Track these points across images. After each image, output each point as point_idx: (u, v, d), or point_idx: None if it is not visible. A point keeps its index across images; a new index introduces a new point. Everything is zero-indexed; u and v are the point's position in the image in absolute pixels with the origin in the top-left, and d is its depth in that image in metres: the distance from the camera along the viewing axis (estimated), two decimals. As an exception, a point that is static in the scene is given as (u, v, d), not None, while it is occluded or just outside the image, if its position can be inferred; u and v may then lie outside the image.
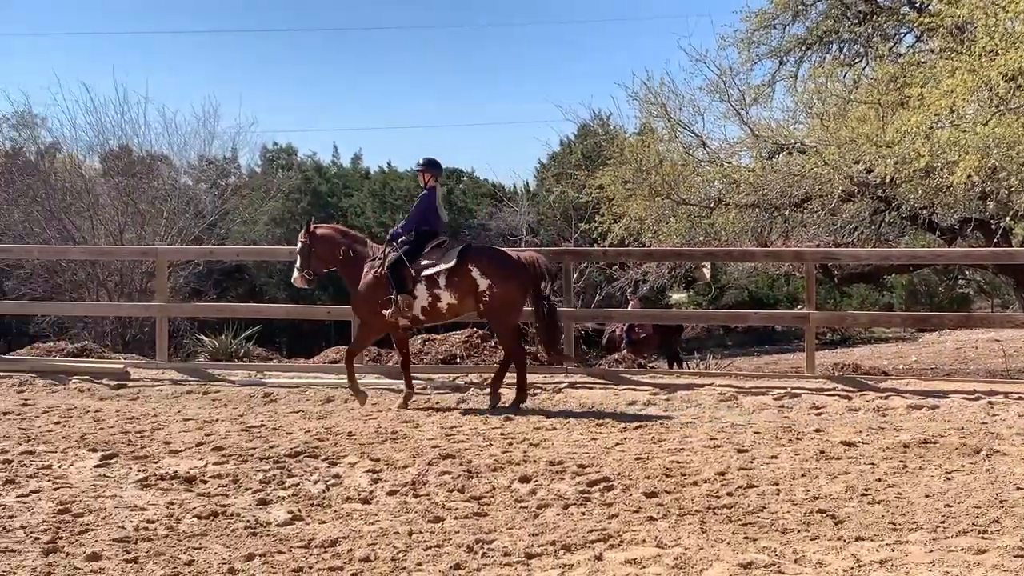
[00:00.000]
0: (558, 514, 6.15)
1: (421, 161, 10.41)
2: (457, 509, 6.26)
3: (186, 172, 25.86)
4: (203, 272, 22.67)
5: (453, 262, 9.90)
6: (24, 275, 21.63)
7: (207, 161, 25.67)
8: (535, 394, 10.55)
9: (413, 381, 10.35)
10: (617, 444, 8.10)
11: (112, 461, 7.48)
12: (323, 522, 6.02)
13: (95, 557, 5.34)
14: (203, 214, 23.24)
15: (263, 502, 6.43)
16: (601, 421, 9.10)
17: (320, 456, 7.63)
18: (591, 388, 10.93)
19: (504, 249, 10.83)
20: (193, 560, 5.32)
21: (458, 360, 13.45)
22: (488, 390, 10.26)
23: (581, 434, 8.51)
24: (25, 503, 6.38)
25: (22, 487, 6.76)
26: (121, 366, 11.93)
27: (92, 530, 5.82)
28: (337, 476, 7.05)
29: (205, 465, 7.36)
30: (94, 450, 7.82)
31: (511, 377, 10.22)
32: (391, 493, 6.63)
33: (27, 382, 11.14)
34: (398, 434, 8.47)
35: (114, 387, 10.97)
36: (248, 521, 6.02)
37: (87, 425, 8.85)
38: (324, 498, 6.53)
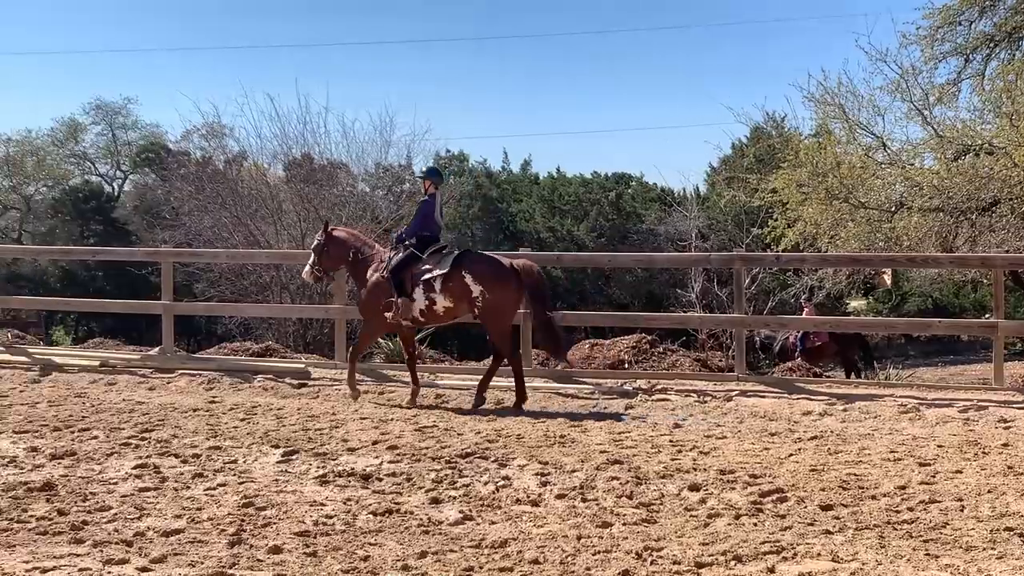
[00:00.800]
0: (729, 524, 6.04)
1: (423, 169, 11.27)
2: (626, 515, 6.24)
3: (363, 179, 26.68)
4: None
5: (447, 268, 10.35)
6: (213, 278, 22.76)
7: (383, 168, 26.41)
8: (704, 401, 10.40)
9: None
10: (791, 455, 7.89)
11: (293, 457, 7.79)
12: (493, 523, 6.11)
13: (276, 550, 5.57)
14: (379, 219, 23.89)
15: (435, 501, 6.57)
16: (774, 431, 8.90)
17: (490, 457, 7.73)
18: (763, 397, 10.70)
19: (497, 256, 11.02)
20: (369, 556, 5.48)
21: (626, 365, 13.41)
22: (655, 396, 10.17)
23: (752, 443, 8.34)
24: (212, 496, 6.71)
25: (210, 481, 7.12)
26: (302, 366, 12.41)
27: (274, 523, 6.07)
28: (507, 478, 7.14)
29: (380, 463, 7.57)
30: (276, 446, 8.17)
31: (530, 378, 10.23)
32: (560, 496, 6.66)
33: (215, 380, 11.72)
34: (566, 438, 8.51)
35: (296, 386, 11.43)
36: (421, 519, 6.16)
37: (270, 422, 9.25)
38: (494, 499, 6.61)
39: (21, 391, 10.86)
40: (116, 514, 6.25)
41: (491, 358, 10.83)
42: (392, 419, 9.38)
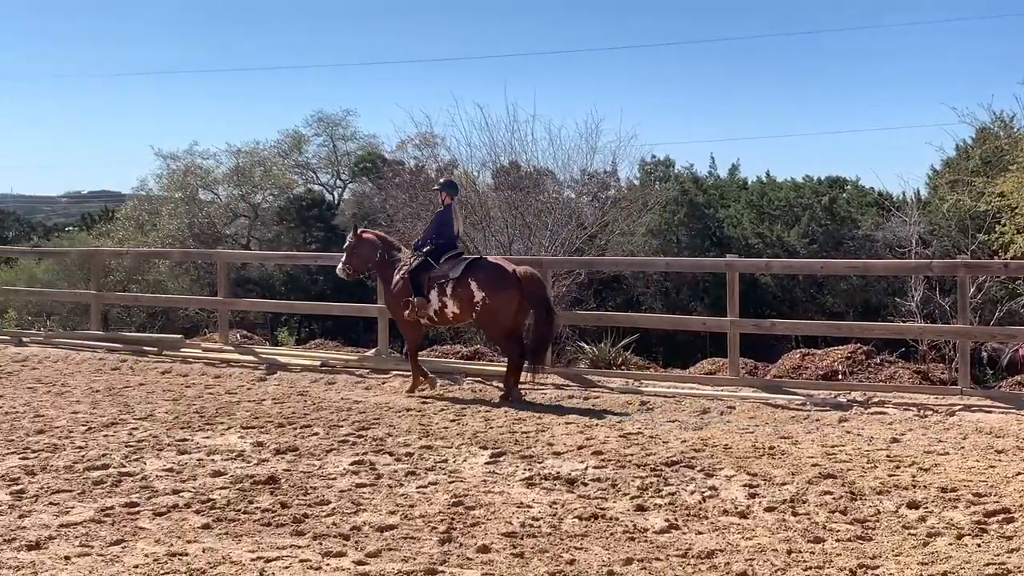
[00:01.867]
0: (950, 544, 5.73)
1: (440, 182, 12.07)
2: (839, 531, 6.02)
3: (569, 186, 26.85)
4: (584, 282, 23.40)
5: (458, 273, 11.09)
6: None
7: (588, 175, 26.50)
8: (924, 416, 9.91)
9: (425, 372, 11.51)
10: (1019, 473, 7.41)
11: (501, 459, 7.94)
12: (699, 533, 6.02)
13: (485, 549, 5.69)
14: (584, 226, 23.99)
15: (640, 508, 6.54)
16: (1001, 448, 8.37)
17: (696, 467, 7.63)
18: (989, 412, 10.09)
19: (503, 263, 11.42)
20: (575, 560, 5.51)
21: (840, 376, 12.93)
22: (870, 409, 9.75)
23: (977, 461, 7.88)
24: (424, 494, 6.92)
25: (421, 479, 7.34)
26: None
27: (482, 523, 6.20)
28: (713, 488, 7.02)
29: (586, 468, 7.61)
30: (484, 448, 8.34)
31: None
32: (769, 509, 6.50)
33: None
34: (776, 450, 8.29)
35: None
36: (626, 526, 6.14)
37: (478, 424, 9.46)
38: (700, 509, 6.52)
39: (248, 389, 11.53)
40: (334, 508, 6.55)
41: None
42: (597, 424, 9.41)
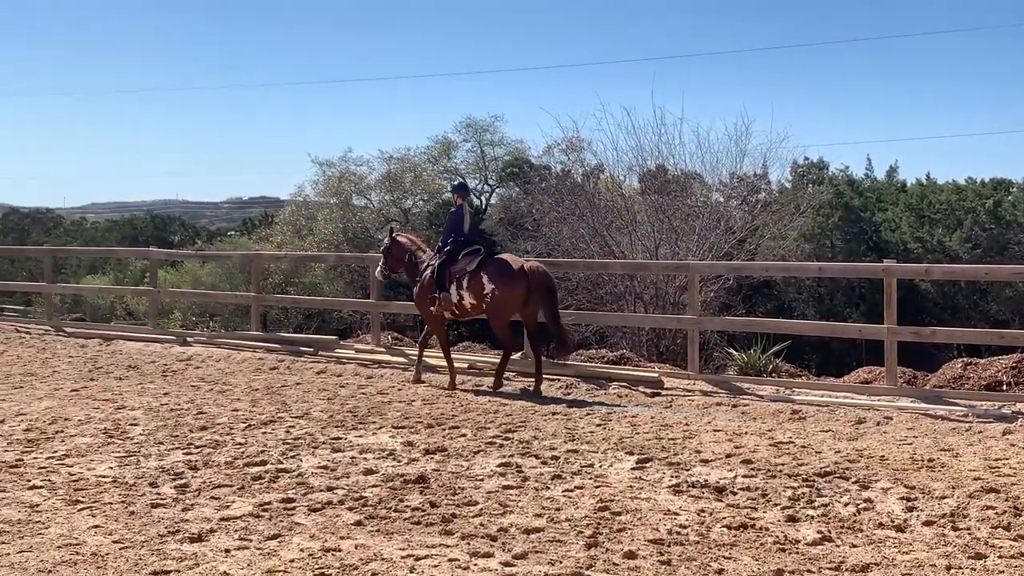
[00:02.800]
0: None
1: (453, 185, 13.35)
2: (1002, 547, 5.75)
3: (717, 189, 26.47)
4: (732, 287, 23.05)
5: (473, 267, 12.01)
6: (571, 287, 23.50)
7: (738, 178, 26.06)
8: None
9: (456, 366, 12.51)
10: None
11: (647, 465, 7.88)
12: (854, 546, 5.84)
13: (631, 555, 5.66)
14: (733, 230, 23.62)
15: (792, 519, 6.39)
16: None
17: (851, 478, 7.40)
18: None
19: (510, 259, 12.25)
20: (723, 570, 5.43)
21: (1004, 387, 12.33)
22: None
23: None
24: (570, 498, 6.93)
25: (567, 483, 7.36)
26: (655, 375, 12.52)
27: (629, 529, 6.17)
28: (868, 500, 6.80)
29: (734, 476, 7.48)
30: (631, 453, 8.30)
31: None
32: (927, 523, 6.26)
33: (572, 385, 12.10)
34: (935, 462, 7.97)
35: (649, 395, 11.54)
36: (777, 536, 6.01)
37: (624, 429, 9.41)
38: (855, 521, 6.32)
39: (399, 389, 11.78)
40: (482, 509, 6.62)
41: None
42: (746, 433, 9.23)
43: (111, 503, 6.77)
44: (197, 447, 8.53)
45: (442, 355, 12.66)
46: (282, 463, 7.94)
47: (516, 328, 12.59)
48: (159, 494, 7.02)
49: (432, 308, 12.32)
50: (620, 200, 24.39)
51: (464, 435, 9.07)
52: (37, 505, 6.73)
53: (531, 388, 11.82)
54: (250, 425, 9.49)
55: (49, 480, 7.40)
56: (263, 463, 7.93)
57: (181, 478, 7.45)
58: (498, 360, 12.41)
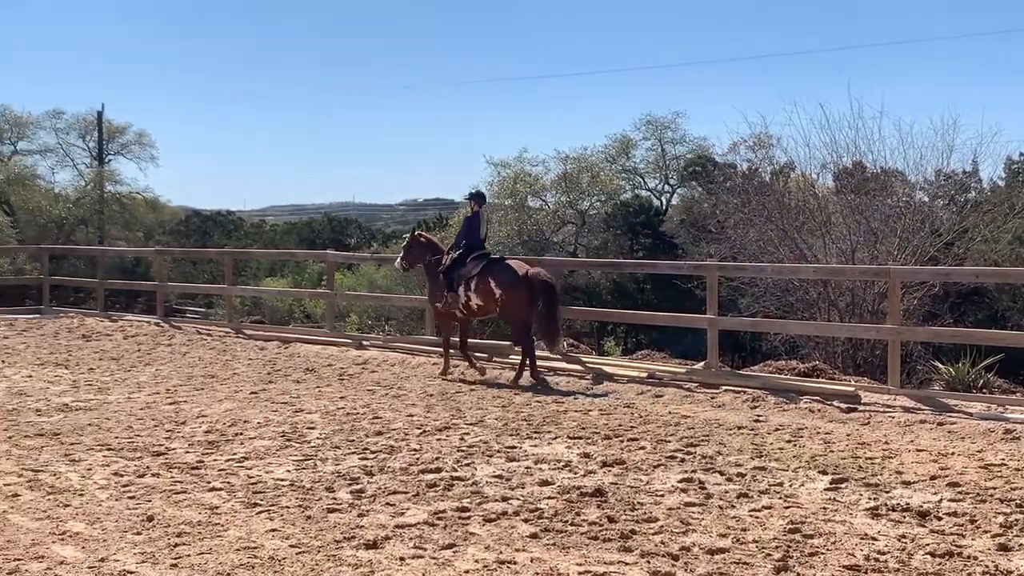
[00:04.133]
0: None
1: (469, 192, 14.23)
2: None
3: (921, 188, 25.43)
4: (938, 294, 22.07)
5: (479, 271, 13.46)
6: (758, 293, 23.05)
7: (944, 176, 24.97)
8: None
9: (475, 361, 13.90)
10: None
11: (842, 486, 7.64)
12: (1077, 583, 5.50)
13: (824, 581, 5.50)
14: (939, 232, 22.63)
15: (1003, 548, 6.08)
16: None
17: (1073, 507, 6.97)
18: None
19: (514, 264, 13.67)
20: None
21: None
22: None
23: None
24: (757, 518, 6.79)
25: (754, 501, 7.21)
26: (851, 389, 12.12)
27: (821, 553, 6.00)
28: (1095, 532, 6.39)
29: (939, 500, 7.17)
30: (824, 472, 8.06)
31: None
32: None
33: (759, 398, 11.85)
34: None
35: (844, 410, 11.18)
36: (986, 566, 5.73)
37: (817, 446, 9.15)
38: (1078, 555, 5.95)
39: (575, 398, 11.82)
40: (662, 526, 6.57)
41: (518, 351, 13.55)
42: (953, 453, 8.83)
43: (288, 507, 7.06)
44: (372, 452, 8.79)
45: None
46: (456, 471, 8.09)
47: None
48: (335, 499, 7.27)
49: (438, 305, 13.93)
50: (812, 200, 23.75)
51: (643, 448, 9.02)
52: (217, 507, 7.08)
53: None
54: (425, 431, 9.72)
55: (228, 482, 7.78)
56: (438, 470, 8.10)
57: (357, 483, 7.70)
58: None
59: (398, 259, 14.93)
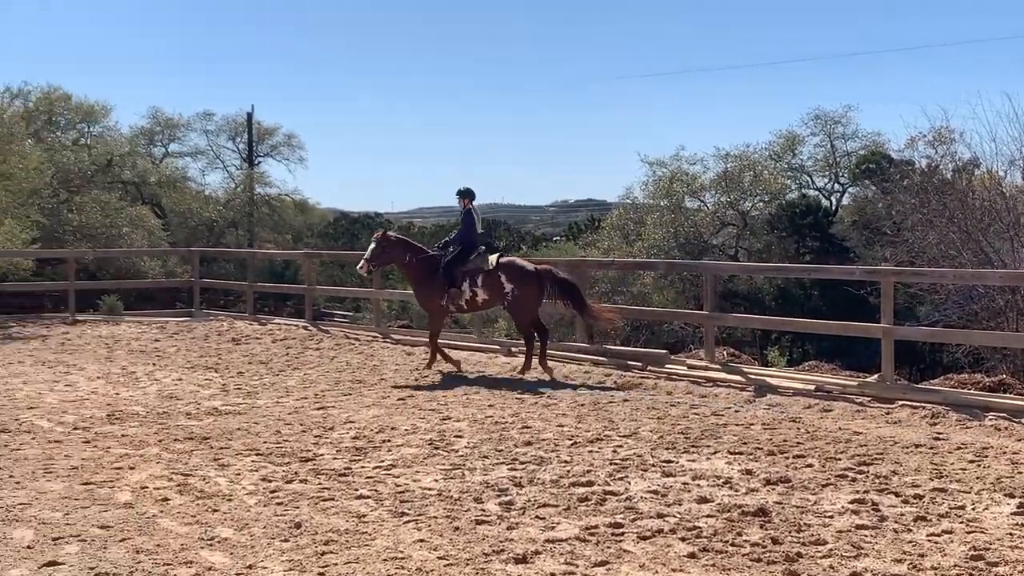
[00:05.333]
0: None
1: (460, 189, 15.22)
2: None
3: None
4: None
5: (490, 268, 14.61)
6: (938, 300, 22.23)
7: None
8: None
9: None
10: None
11: (1032, 511, 7.32)
12: None
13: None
14: None
15: None
16: None
17: None
18: None
19: (524, 262, 15.17)
20: None
21: None
22: None
23: None
24: (936, 543, 6.57)
25: (933, 525, 6.98)
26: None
27: (1009, 584, 5.76)
28: None
29: None
30: (1011, 495, 7.74)
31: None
32: None
33: (939, 415, 11.42)
34: None
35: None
36: None
37: (1003, 467, 8.78)
38: None
39: (736, 411, 11.65)
40: (831, 550, 6.42)
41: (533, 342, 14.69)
42: None
43: (436, 517, 7.18)
44: (522, 463, 8.86)
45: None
46: (609, 485, 8.08)
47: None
48: (484, 510, 7.36)
49: (442, 302, 14.90)
50: (999, 199, 22.77)
51: (811, 465, 8.82)
52: (364, 515, 7.26)
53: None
54: (576, 442, 9.74)
55: (376, 490, 7.96)
56: (589, 484, 8.10)
57: (506, 495, 7.77)
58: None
59: (362, 262, 15.41)
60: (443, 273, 14.82)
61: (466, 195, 15.25)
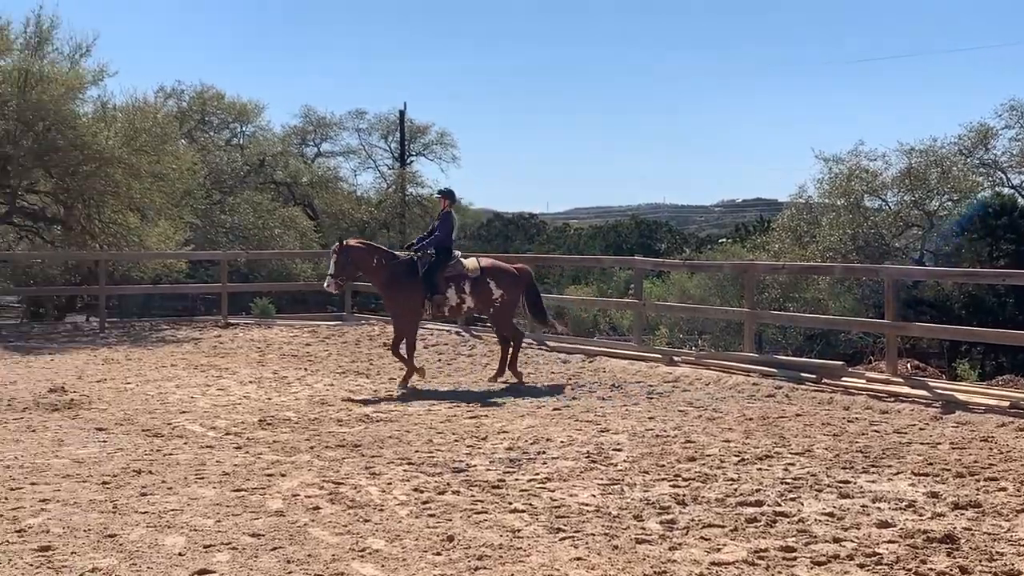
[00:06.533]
0: None
1: (440, 190, 15.82)
2: None
3: None
4: None
5: (477, 274, 14.95)
6: None
7: None
8: None
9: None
10: None
11: None
12: None
13: None
14: None
15: None
16: None
17: None
18: None
19: (503, 264, 15.69)
20: None
21: None
22: None
23: None
24: None
25: None
26: None
27: None
28: None
29: None
30: None
31: None
32: None
33: None
34: None
35: None
36: None
37: None
38: None
39: (920, 429, 11.29)
40: (1028, 582, 6.17)
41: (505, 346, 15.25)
42: None
43: (593, 534, 7.18)
44: (685, 480, 8.78)
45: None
46: (780, 505, 7.94)
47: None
48: (644, 529, 7.32)
49: (423, 310, 14.89)
50: None
51: (1004, 489, 8.49)
52: (519, 530, 7.31)
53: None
54: (743, 459, 9.60)
55: (531, 504, 8.01)
56: (758, 504, 7.98)
57: (667, 513, 7.72)
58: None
59: (327, 279, 14.89)
60: (424, 280, 14.74)
61: (447, 196, 15.38)
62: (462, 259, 15.23)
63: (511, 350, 15.14)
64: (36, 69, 24.89)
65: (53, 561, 6.55)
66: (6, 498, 8.14)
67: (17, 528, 7.28)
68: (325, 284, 15.09)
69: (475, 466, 9.35)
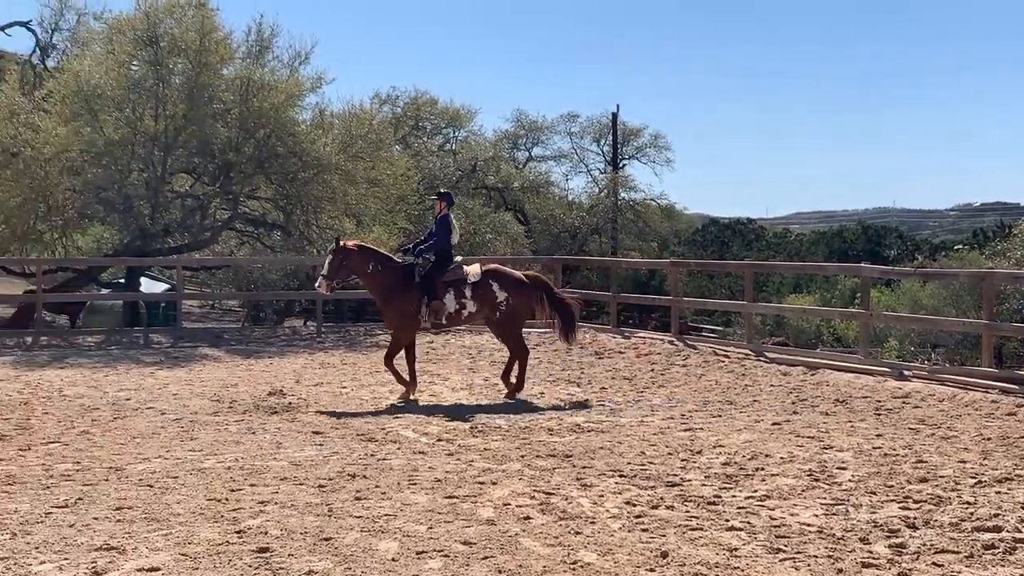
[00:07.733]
0: None
1: (437, 192, 15.63)
2: None
3: None
4: None
5: (479, 278, 14.59)
6: None
7: None
8: None
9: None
10: None
11: None
12: None
13: None
14: None
15: None
16: None
17: None
18: None
19: (509, 270, 15.31)
20: None
21: None
22: None
23: None
24: None
25: None
26: None
27: None
28: None
29: None
30: None
31: None
32: None
33: None
34: None
35: None
36: None
37: None
38: None
39: None
40: None
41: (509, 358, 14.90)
42: None
43: (816, 556, 7.03)
44: (916, 502, 8.50)
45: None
46: (1021, 531, 7.60)
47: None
48: (871, 552, 7.12)
49: (420, 317, 14.47)
50: None
51: None
52: (736, 549, 7.22)
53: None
54: (980, 481, 9.22)
55: (748, 522, 7.90)
56: (997, 529, 7.65)
57: (897, 536, 7.49)
58: None
59: (320, 280, 14.69)
60: (421, 285, 14.45)
61: (444, 198, 15.17)
62: (461, 264, 14.97)
63: (516, 365, 14.81)
64: (257, 77, 26.11)
65: (271, 563, 6.85)
66: (227, 499, 8.56)
67: (237, 529, 7.65)
68: (316, 284, 15.23)
69: (690, 480, 9.29)
